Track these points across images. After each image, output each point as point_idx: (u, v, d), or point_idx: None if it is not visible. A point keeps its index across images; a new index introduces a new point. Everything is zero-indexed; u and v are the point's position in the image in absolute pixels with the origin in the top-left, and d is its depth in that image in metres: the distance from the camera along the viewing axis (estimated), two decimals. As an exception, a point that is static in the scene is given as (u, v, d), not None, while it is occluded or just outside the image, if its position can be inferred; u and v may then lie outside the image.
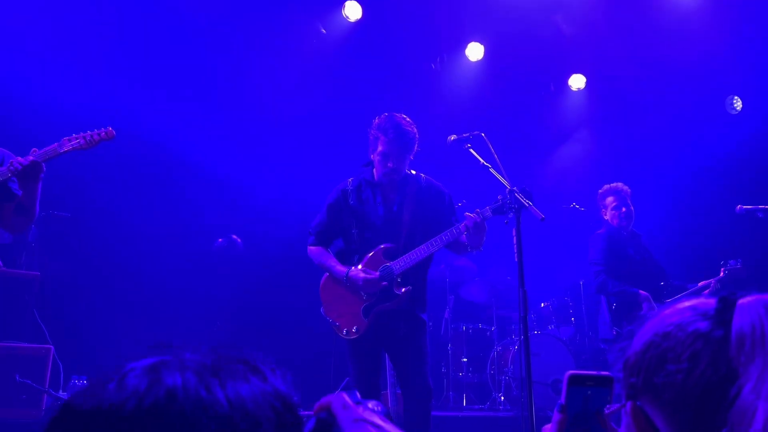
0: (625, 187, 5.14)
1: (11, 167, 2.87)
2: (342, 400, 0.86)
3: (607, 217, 5.17)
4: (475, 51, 7.11)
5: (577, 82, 7.46)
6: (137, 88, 6.20)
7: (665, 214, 7.07)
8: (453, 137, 3.65)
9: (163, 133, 6.27)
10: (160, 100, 6.28)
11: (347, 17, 6.69)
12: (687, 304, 0.94)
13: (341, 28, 6.80)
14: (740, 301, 0.90)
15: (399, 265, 3.49)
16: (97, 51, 6.15)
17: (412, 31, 6.89)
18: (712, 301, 0.92)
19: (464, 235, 3.47)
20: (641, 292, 4.73)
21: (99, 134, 2.98)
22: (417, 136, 3.58)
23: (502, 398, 5.96)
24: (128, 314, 5.95)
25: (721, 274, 4.89)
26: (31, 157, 2.89)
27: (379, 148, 3.51)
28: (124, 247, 6.11)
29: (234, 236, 6.30)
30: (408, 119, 3.58)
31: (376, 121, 3.58)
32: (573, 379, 1.00)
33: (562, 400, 1.00)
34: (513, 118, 7.65)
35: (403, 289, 3.49)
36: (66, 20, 5.96)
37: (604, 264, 4.95)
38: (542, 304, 6.52)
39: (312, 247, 3.72)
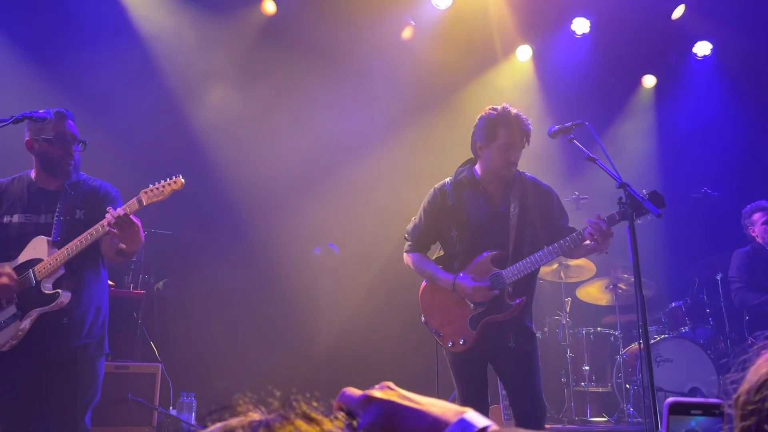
0: None
1: (110, 219, 2.96)
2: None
3: (754, 234, 5.24)
4: (580, 25, 6.57)
5: (702, 49, 6.74)
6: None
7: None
8: (554, 128, 3.32)
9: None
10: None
11: (436, 5, 6.37)
12: None
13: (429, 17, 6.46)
14: None
15: (511, 273, 3.22)
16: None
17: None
18: None
19: (588, 243, 3.21)
20: None
21: (169, 185, 3.03)
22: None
23: (631, 410, 5.50)
24: (231, 328, 5.94)
25: None
26: (121, 211, 2.97)
27: (500, 140, 3.25)
28: (222, 261, 6.06)
29: (330, 244, 6.10)
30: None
31: (490, 113, 3.30)
32: (675, 407, 0.88)
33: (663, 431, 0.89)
34: (626, 92, 7.00)
35: (518, 300, 3.24)
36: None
37: (743, 279, 5.16)
38: (672, 304, 5.86)
39: (409, 254, 3.48)
